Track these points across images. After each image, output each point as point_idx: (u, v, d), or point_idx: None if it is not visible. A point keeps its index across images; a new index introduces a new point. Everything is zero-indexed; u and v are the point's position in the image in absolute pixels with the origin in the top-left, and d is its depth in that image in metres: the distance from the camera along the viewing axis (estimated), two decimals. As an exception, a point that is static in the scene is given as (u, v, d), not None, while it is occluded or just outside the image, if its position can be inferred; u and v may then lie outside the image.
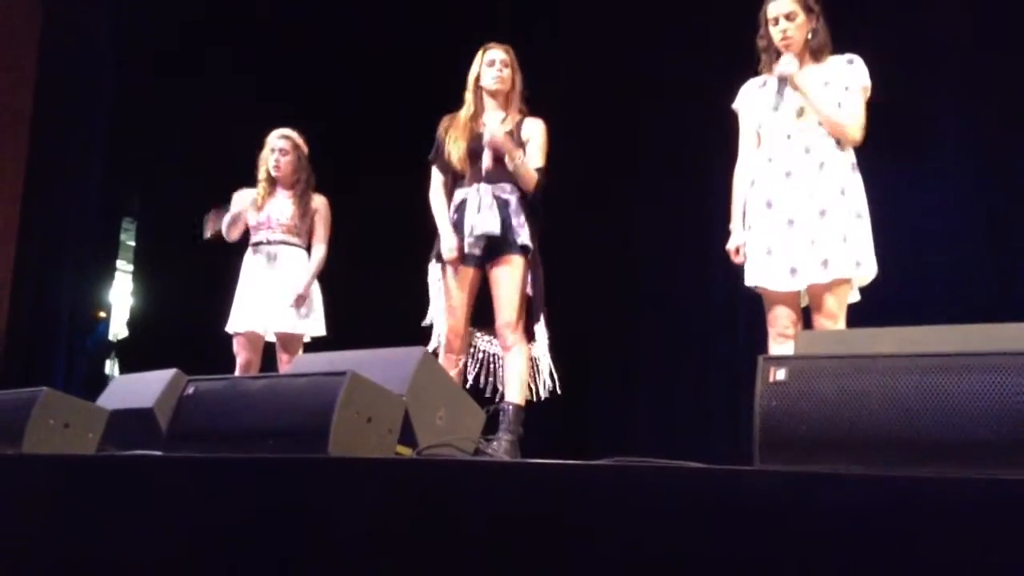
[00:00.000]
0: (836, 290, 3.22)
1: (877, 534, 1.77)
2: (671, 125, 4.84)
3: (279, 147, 4.56)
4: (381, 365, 2.58)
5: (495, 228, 3.65)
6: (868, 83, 3.32)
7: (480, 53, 3.85)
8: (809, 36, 3.35)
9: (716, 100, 3.63)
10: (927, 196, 4.20)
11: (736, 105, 3.53)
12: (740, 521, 1.88)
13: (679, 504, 1.95)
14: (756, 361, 2.05)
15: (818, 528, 1.81)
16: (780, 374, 1.97)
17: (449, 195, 3.85)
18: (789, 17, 3.33)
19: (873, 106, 3.36)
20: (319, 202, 4.62)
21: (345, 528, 2.18)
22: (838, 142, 3.28)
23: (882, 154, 3.41)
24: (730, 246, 3.44)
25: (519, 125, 3.79)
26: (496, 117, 3.82)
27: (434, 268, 3.83)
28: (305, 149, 4.62)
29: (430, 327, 3.81)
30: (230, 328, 4.49)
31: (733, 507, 1.89)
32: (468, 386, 3.77)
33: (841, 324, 3.24)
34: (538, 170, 3.74)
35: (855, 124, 3.27)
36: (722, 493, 1.92)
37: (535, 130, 3.80)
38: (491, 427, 3.62)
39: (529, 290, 3.66)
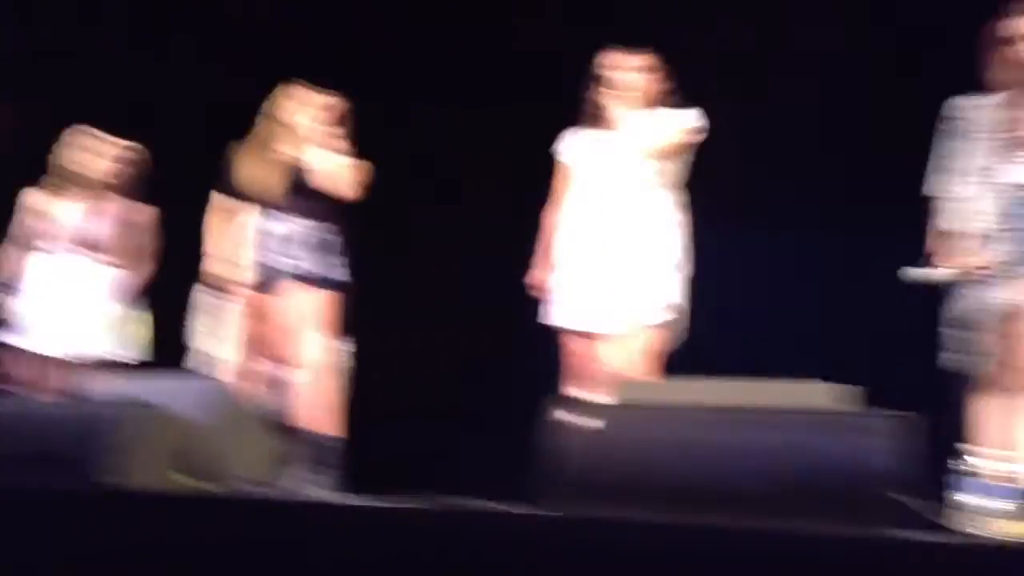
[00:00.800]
0: (654, 332, 3.33)
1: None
2: (500, 153, 4.85)
3: (117, 155, 4.22)
4: (179, 392, 2.46)
5: (310, 266, 3.61)
6: (695, 124, 3.40)
7: (294, 90, 3.77)
8: (647, 93, 3.42)
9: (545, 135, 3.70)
10: (759, 254, 4.35)
11: (557, 149, 3.59)
12: (528, 565, 1.89)
13: (467, 546, 1.94)
14: (549, 406, 2.08)
15: (598, 572, 1.83)
16: (575, 419, 2.00)
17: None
18: (637, 68, 3.43)
19: (712, 167, 3.51)
20: (139, 213, 4.31)
21: (131, 564, 2.05)
22: (660, 175, 3.41)
23: (714, 212, 3.53)
24: (532, 279, 3.49)
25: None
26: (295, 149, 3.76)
27: (207, 293, 3.70)
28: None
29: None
30: (9, 339, 4.11)
31: (520, 550, 1.89)
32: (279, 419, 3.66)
33: (659, 367, 3.34)
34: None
35: (662, 134, 3.39)
36: (511, 537, 1.92)
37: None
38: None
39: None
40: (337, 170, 3.64)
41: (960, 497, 2.30)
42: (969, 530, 2.25)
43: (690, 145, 3.46)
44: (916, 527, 2.09)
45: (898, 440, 1.83)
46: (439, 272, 4.86)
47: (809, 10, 4.27)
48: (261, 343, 3.64)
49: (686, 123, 3.42)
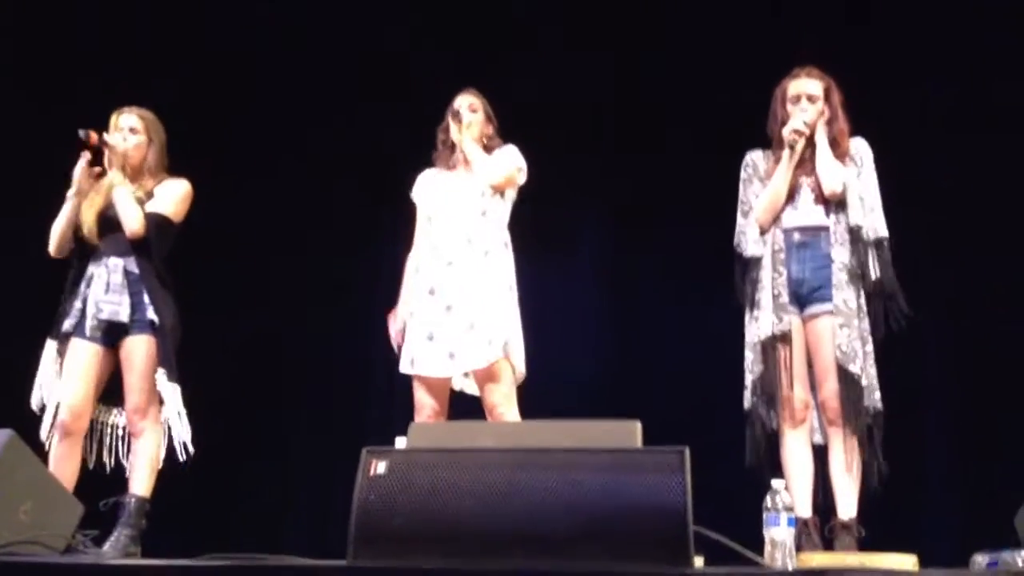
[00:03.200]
0: (505, 368, 3.33)
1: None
2: (345, 198, 4.80)
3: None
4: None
5: (122, 313, 3.43)
6: (521, 163, 3.49)
7: (115, 117, 3.62)
8: (486, 136, 3.54)
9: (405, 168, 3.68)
10: (565, 300, 4.45)
11: (413, 195, 3.60)
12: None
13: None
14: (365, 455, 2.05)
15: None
16: (380, 467, 1.97)
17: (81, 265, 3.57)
18: (471, 108, 3.53)
19: (524, 212, 3.57)
20: None
21: None
22: (501, 195, 3.47)
23: (528, 261, 3.59)
24: (392, 329, 3.48)
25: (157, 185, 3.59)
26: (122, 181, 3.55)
27: (50, 346, 3.51)
28: None
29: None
30: None
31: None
32: (92, 467, 3.45)
33: (513, 403, 3.33)
34: (155, 215, 3.51)
35: (497, 166, 3.45)
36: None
37: (170, 187, 3.60)
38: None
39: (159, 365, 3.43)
40: (128, 206, 3.47)
41: (765, 530, 2.34)
42: (776, 564, 2.30)
43: (517, 183, 3.53)
44: (726, 560, 2.14)
45: (680, 473, 1.85)
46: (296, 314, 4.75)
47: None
48: (81, 392, 3.44)
49: (518, 160, 3.49)
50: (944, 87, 4.12)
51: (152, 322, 3.43)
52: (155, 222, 3.50)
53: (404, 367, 3.42)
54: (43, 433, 3.41)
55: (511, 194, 3.55)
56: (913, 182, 3.74)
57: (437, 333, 3.36)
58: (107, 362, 3.49)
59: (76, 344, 3.46)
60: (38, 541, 2.41)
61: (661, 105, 4.41)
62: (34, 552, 2.41)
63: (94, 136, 3.50)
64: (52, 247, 3.57)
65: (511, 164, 3.49)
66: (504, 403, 3.31)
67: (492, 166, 3.47)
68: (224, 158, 4.47)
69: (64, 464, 3.36)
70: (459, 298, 3.36)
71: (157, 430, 3.43)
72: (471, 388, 3.48)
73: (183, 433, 3.43)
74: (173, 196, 3.58)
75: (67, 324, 3.48)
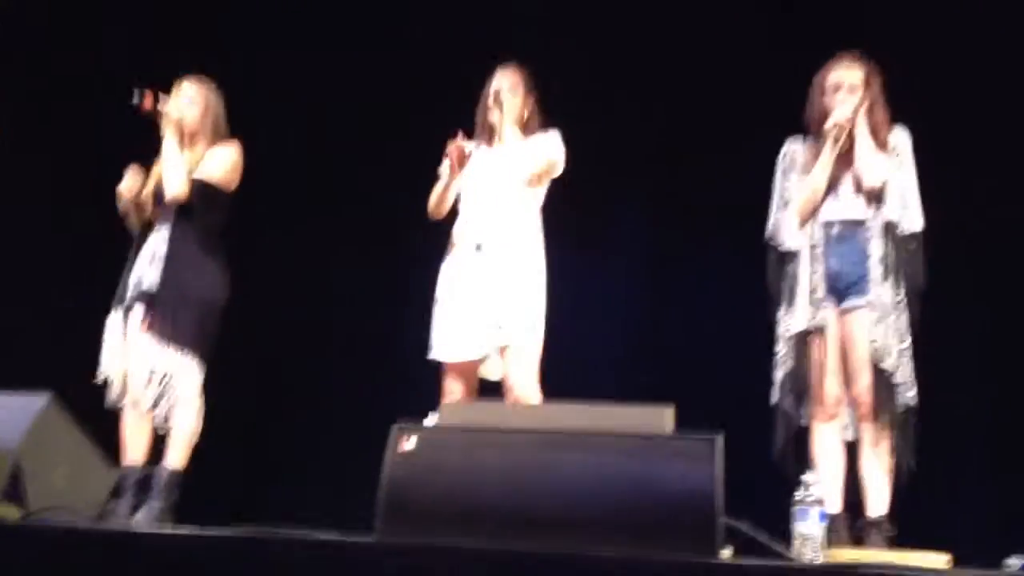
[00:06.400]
0: (528, 349, 3.32)
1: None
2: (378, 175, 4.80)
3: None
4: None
5: (157, 284, 3.40)
6: (560, 155, 3.44)
7: (176, 85, 3.64)
8: (526, 114, 3.48)
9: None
10: (601, 286, 4.44)
11: (443, 170, 3.56)
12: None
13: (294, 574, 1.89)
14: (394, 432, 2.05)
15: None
16: (410, 444, 1.97)
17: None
18: (512, 89, 3.46)
19: (561, 199, 3.54)
20: None
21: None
22: (530, 197, 3.44)
23: (566, 246, 3.57)
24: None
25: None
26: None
27: (112, 318, 3.44)
28: None
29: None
30: None
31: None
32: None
33: (535, 390, 3.32)
34: (198, 181, 3.48)
35: (537, 156, 3.42)
36: (340, 565, 1.88)
37: (218, 153, 3.57)
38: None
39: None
40: (171, 169, 3.46)
41: (794, 524, 2.32)
42: (805, 557, 2.27)
43: (553, 174, 3.50)
44: (753, 553, 2.12)
45: (710, 462, 1.83)
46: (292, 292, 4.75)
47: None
48: None
49: (558, 152, 3.45)
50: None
51: (181, 293, 3.38)
52: (198, 187, 3.47)
53: (434, 354, 3.39)
54: (109, 400, 3.35)
55: (547, 181, 3.52)
56: (952, 173, 3.66)
57: (465, 319, 3.33)
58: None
59: (133, 316, 3.43)
60: (71, 507, 2.43)
61: (701, 93, 4.37)
62: (66, 518, 2.43)
63: (148, 100, 3.47)
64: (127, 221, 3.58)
65: (552, 154, 3.44)
66: (524, 384, 3.29)
67: (531, 156, 3.41)
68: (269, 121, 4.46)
69: (134, 434, 3.29)
70: (487, 284, 3.32)
71: (195, 401, 3.38)
72: (495, 374, 3.42)
73: (189, 418, 3.32)
74: (219, 162, 3.54)
75: (123, 296, 3.45)
